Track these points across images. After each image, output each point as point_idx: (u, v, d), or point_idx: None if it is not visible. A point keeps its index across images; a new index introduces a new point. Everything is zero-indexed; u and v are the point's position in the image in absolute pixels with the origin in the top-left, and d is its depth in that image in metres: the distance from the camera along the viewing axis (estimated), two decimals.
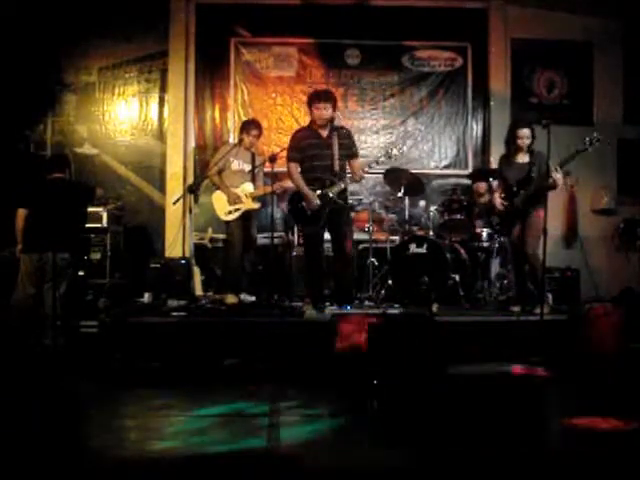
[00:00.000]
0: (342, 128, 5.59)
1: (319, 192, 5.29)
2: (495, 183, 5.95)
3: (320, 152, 5.35)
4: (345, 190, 5.44)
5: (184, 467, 2.85)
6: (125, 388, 4.30)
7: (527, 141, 5.36)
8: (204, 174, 6.37)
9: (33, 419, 3.55)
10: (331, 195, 5.28)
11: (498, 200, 5.53)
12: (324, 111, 5.32)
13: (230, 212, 5.97)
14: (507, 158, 5.56)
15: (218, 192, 6.04)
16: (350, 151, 5.48)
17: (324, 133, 5.40)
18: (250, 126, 6.13)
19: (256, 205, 6.06)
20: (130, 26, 7.48)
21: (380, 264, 6.45)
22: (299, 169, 5.41)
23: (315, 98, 5.37)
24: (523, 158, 5.43)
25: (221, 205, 5.99)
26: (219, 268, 6.69)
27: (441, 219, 6.49)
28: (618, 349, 4.77)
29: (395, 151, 5.51)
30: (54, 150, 7.46)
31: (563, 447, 3.11)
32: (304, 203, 5.34)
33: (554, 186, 5.13)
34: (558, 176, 5.09)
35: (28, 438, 3.20)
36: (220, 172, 6.02)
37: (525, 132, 5.35)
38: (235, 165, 6.06)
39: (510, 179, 5.46)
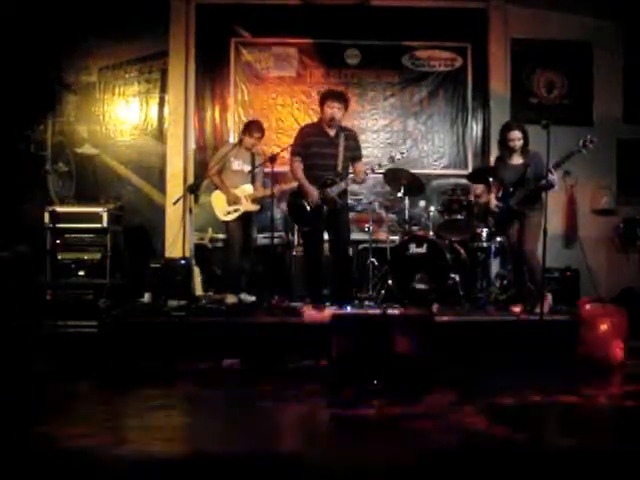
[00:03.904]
0: (349, 130, 5.61)
1: (320, 190, 5.29)
2: (492, 183, 5.94)
3: (325, 150, 5.36)
4: (345, 191, 5.44)
5: (184, 467, 2.85)
6: (125, 388, 4.30)
7: (518, 143, 5.33)
8: (204, 174, 6.37)
9: (33, 419, 3.55)
10: (331, 194, 5.28)
11: (493, 202, 5.54)
12: (337, 111, 5.34)
13: (229, 212, 5.98)
14: (502, 159, 5.55)
15: (217, 192, 6.04)
16: (355, 153, 5.51)
17: (331, 132, 5.42)
18: (253, 127, 6.12)
19: (255, 207, 6.06)
20: (130, 26, 7.47)
21: (380, 264, 6.45)
22: (301, 164, 5.41)
23: (331, 96, 5.39)
24: (518, 159, 5.41)
25: (220, 205, 6.00)
26: (219, 268, 6.70)
27: (441, 219, 6.49)
28: (618, 349, 4.78)
29: (398, 155, 5.54)
30: (54, 150, 7.46)
31: None
32: (304, 201, 5.33)
33: (550, 187, 5.11)
34: (553, 177, 5.07)
35: (28, 438, 3.20)
36: (220, 172, 6.03)
37: (516, 134, 5.32)
38: (235, 165, 6.06)
39: (506, 180, 5.45)
